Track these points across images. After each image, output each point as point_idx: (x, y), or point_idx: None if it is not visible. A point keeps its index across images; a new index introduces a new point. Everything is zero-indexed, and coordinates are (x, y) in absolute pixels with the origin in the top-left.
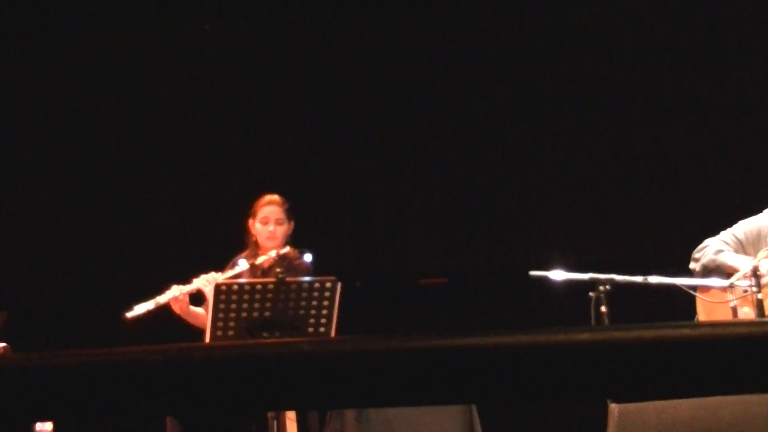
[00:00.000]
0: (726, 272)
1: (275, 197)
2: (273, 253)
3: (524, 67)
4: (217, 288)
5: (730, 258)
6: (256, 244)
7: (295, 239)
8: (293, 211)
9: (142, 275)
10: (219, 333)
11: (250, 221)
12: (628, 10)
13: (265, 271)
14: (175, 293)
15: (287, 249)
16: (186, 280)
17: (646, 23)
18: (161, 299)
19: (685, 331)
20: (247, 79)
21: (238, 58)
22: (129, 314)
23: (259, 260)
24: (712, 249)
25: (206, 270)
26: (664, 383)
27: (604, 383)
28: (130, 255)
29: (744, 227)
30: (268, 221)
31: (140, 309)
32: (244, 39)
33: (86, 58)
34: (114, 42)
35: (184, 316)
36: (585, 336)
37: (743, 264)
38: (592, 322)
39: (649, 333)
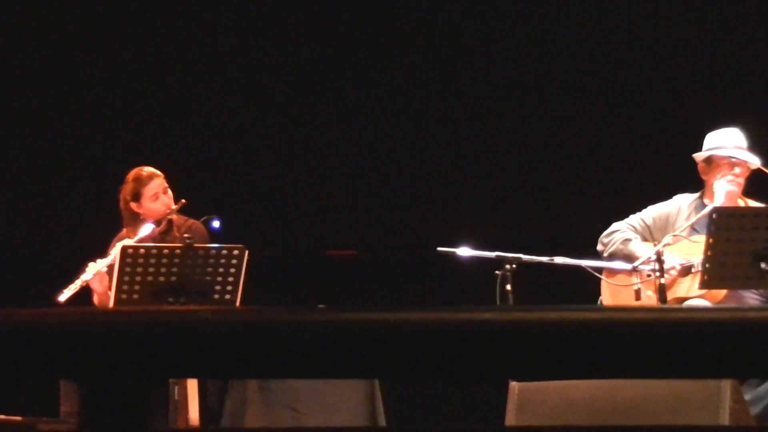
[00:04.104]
0: (633, 261)
1: (153, 170)
2: (147, 228)
3: (433, 40)
4: (124, 250)
5: (637, 248)
6: (139, 221)
7: (204, 206)
8: (196, 178)
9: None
10: (124, 296)
11: (133, 204)
12: None
13: (162, 239)
14: (98, 268)
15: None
16: (102, 254)
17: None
18: (85, 277)
19: (588, 314)
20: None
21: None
22: (61, 297)
23: (144, 232)
24: (620, 236)
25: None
26: (565, 364)
27: (505, 362)
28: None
29: (653, 212)
30: (159, 195)
31: (69, 291)
32: None
33: None
34: None
35: (103, 298)
36: (488, 315)
37: (650, 253)
38: (497, 300)
39: (552, 314)
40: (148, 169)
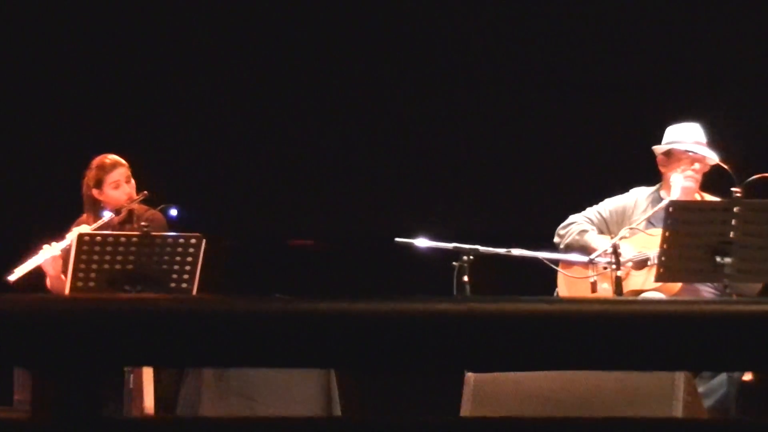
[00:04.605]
0: (589, 252)
1: (117, 158)
2: (106, 216)
3: (391, 34)
4: (80, 238)
5: (593, 239)
6: (100, 208)
7: (163, 194)
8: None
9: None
10: (80, 284)
11: (95, 191)
12: None
13: (122, 228)
14: (53, 252)
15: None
16: (60, 237)
17: None
18: (37, 259)
19: (543, 306)
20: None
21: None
22: (10, 278)
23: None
24: (577, 228)
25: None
26: (520, 355)
27: (461, 353)
28: None
29: (610, 205)
30: (120, 183)
31: (19, 272)
32: None
33: None
34: None
35: (56, 282)
36: (444, 306)
37: (606, 245)
38: (455, 292)
39: (508, 306)
40: (112, 157)
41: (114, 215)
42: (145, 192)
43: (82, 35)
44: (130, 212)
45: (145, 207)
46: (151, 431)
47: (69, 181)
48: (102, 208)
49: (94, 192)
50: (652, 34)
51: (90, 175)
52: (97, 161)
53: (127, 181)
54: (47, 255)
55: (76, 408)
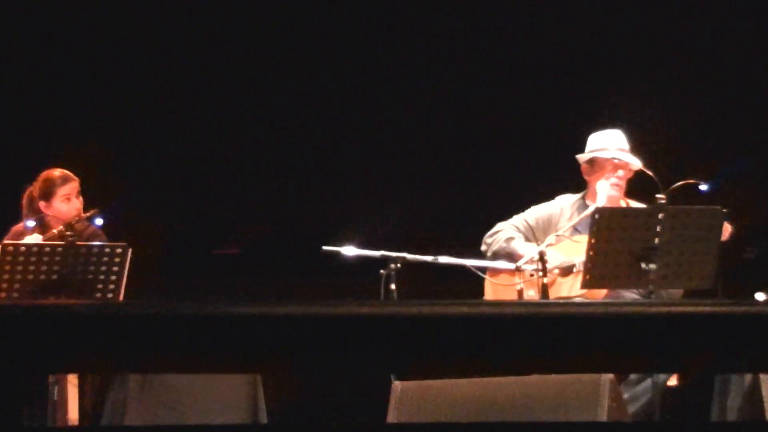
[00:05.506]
0: (516, 259)
1: (68, 173)
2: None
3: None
4: (4, 248)
5: (520, 246)
6: (47, 223)
7: (89, 203)
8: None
9: None
10: (2, 294)
11: (42, 203)
12: None
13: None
14: None
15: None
16: None
17: None
18: None
19: (464, 309)
20: None
21: None
22: None
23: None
24: (503, 235)
25: None
26: (444, 360)
27: (383, 357)
28: None
29: (536, 213)
30: (71, 198)
31: None
32: None
33: None
34: None
35: None
36: (365, 310)
37: (532, 252)
38: (382, 299)
39: (428, 309)
40: (63, 171)
41: (34, 225)
42: (95, 210)
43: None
44: (73, 228)
45: (86, 223)
46: None
47: None
48: (47, 221)
49: (41, 204)
50: (571, 42)
51: (38, 186)
52: (46, 174)
53: (77, 196)
54: None
55: None
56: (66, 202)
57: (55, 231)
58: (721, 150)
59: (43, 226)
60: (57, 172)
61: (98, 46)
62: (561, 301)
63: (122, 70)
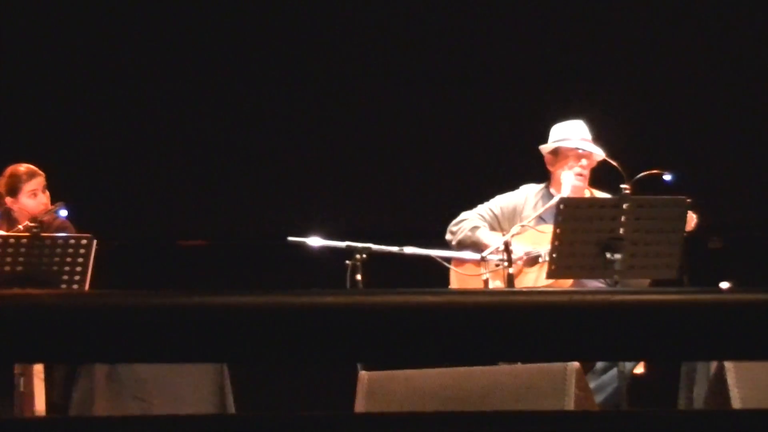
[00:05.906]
0: (481, 249)
1: (33, 168)
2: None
3: (282, 38)
4: None
5: (485, 235)
6: (13, 218)
7: (54, 194)
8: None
9: None
10: None
11: (8, 199)
12: None
13: None
14: None
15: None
16: None
17: None
18: None
19: (429, 298)
20: None
21: None
22: None
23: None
24: (468, 224)
25: None
26: (410, 349)
27: (348, 345)
28: None
29: (501, 202)
30: (38, 193)
31: None
32: None
33: None
34: None
35: None
36: (329, 299)
37: (498, 242)
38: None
39: (394, 298)
40: (29, 167)
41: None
42: (61, 203)
43: None
44: (41, 222)
45: (54, 215)
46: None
47: None
48: (13, 216)
49: (7, 200)
50: (535, 32)
51: (3, 182)
52: (11, 169)
53: (44, 191)
54: None
55: None
56: (32, 198)
57: (20, 226)
58: (685, 141)
59: (9, 221)
60: (23, 168)
61: (64, 40)
62: (522, 289)
63: (88, 64)
